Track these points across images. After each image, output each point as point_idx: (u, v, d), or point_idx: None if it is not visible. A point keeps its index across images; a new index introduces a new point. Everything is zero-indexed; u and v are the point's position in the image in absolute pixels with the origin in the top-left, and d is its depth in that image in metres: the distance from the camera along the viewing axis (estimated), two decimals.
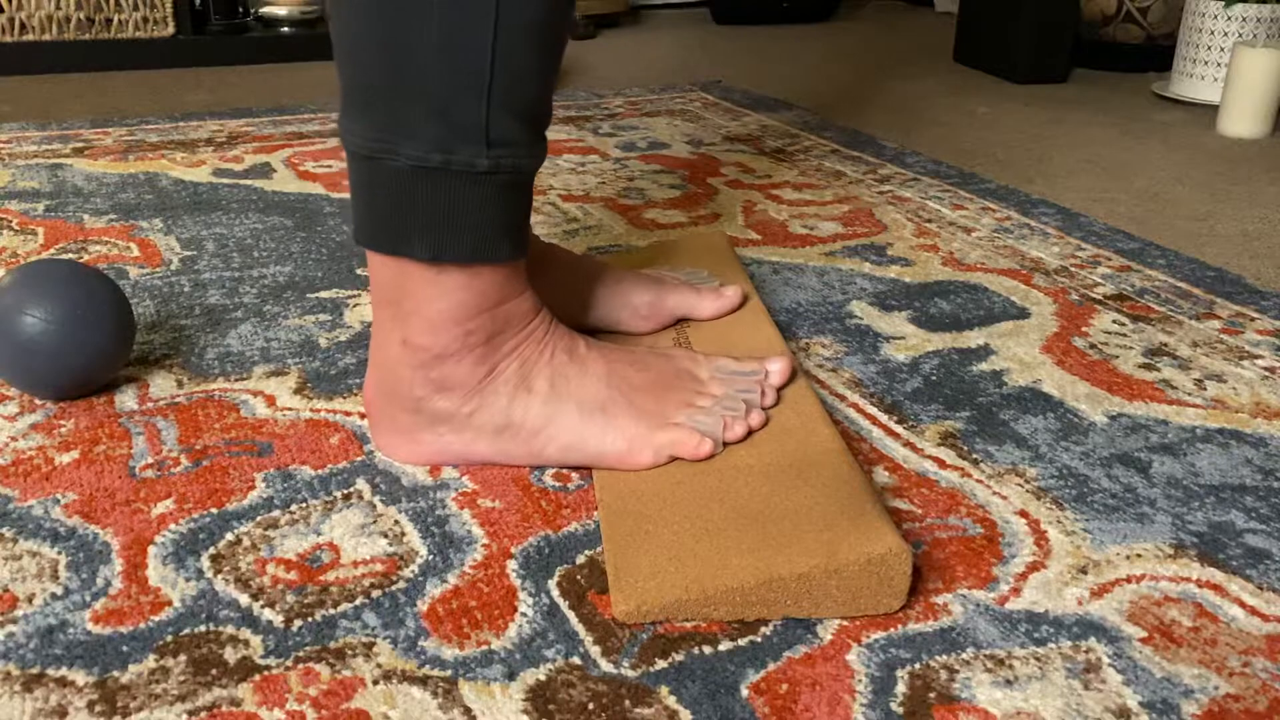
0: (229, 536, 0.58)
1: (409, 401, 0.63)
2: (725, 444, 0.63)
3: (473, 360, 0.61)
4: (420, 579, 0.55)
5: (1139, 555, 0.59)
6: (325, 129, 1.45)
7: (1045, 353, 0.82)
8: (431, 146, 0.56)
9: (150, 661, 0.49)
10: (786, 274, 0.97)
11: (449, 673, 0.49)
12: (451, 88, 0.55)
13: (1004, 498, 0.63)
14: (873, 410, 0.73)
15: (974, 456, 0.68)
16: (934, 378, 0.78)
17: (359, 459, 0.66)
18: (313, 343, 0.81)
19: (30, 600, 0.53)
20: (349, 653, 0.50)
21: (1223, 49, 1.62)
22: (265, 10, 2.01)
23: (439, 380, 0.62)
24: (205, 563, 0.56)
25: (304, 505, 0.61)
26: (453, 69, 0.55)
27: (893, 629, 0.52)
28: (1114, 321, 0.88)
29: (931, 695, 0.48)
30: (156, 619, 0.52)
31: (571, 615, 0.53)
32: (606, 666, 0.50)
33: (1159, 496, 0.64)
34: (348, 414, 0.71)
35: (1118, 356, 0.82)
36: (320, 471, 0.64)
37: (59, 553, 0.57)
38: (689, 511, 0.58)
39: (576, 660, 0.50)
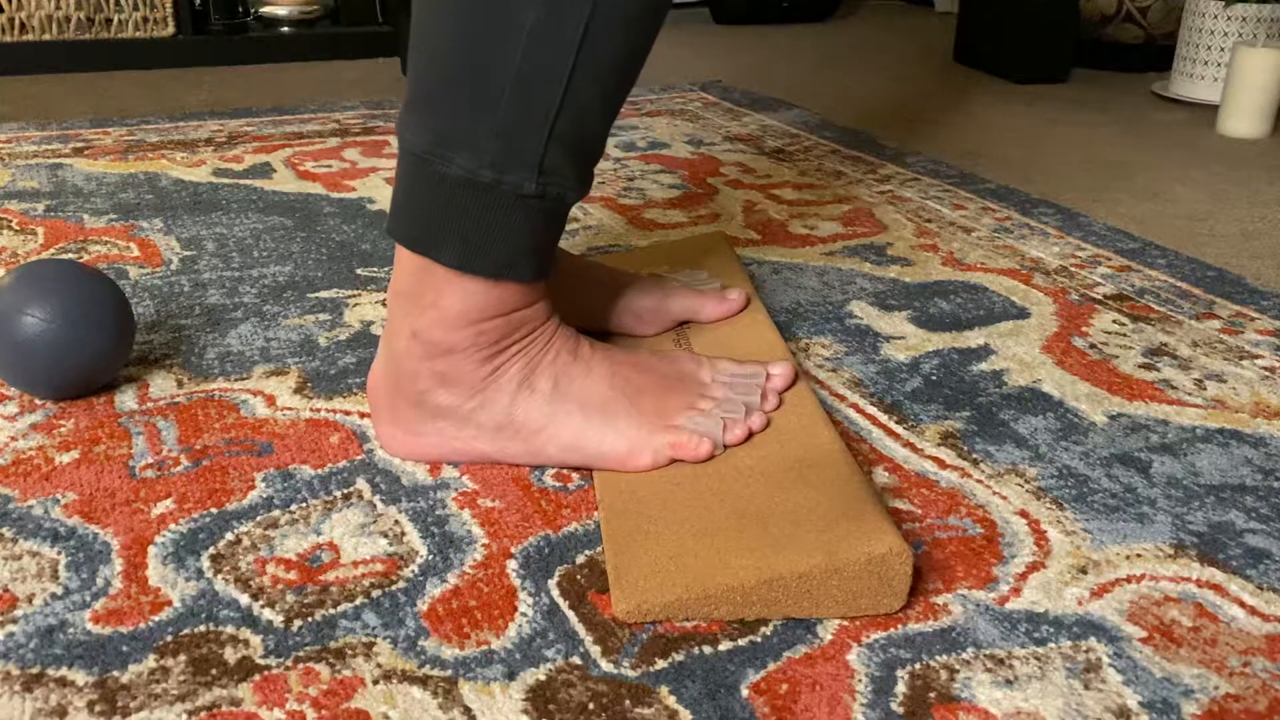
0: (229, 536, 0.58)
1: (412, 394, 0.63)
2: (725, 447, 0.63)
3: (479, 358, 0.61)
4: (420, 579, 0.55)
5: (1139, 555, 0.59)
6: (325, 129, 1.45)
7: (1045, 353, 0.82)
8: (486, 163, 0.57)
9: (150, 661, 0.49)
10: (786, 274, 0.97)
11: (449, 673, 0.49)
12: (519, 114, 0.56)
13: (1004, 498, 0.63)
14: (873, 410, 0.73)
15: (974, 456, 0.68)
16: (934, 378, 0.78)
17: (359, 458, 0.66)
18: (313, 342, 0.81)
19: (30, 600, 0.53)
20: (349, 653, 0.50)
21: (1223, 49, 1.62)
22: (265, 10, 2.01)
23: (443, 374, 0.62)
24: (205, 563, 0.56)
25: (304, 505, 0.61)
26: (524, 98, 0.56)
27: (893, 629, 0.52)
28: (1114, 321, 0.88)
29: (931, 695, 0.48)
30: (156, 619, 0.52)
31: (571, 615, 0.53)
32: (606, 666, 0.50)
33: (1159, 496, 0.64)
34: (347, 413, 0.71)
35: (1118, 356, 0.82)
36: (320, 471, 0.64)
37: (59, 553, 0.57)
38: (689, 511, 0.58)
39: (576, 660, 0.50)
